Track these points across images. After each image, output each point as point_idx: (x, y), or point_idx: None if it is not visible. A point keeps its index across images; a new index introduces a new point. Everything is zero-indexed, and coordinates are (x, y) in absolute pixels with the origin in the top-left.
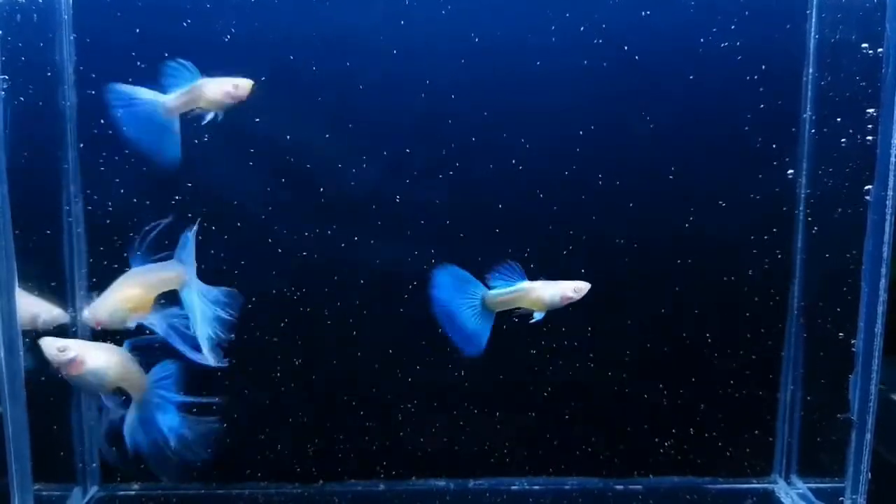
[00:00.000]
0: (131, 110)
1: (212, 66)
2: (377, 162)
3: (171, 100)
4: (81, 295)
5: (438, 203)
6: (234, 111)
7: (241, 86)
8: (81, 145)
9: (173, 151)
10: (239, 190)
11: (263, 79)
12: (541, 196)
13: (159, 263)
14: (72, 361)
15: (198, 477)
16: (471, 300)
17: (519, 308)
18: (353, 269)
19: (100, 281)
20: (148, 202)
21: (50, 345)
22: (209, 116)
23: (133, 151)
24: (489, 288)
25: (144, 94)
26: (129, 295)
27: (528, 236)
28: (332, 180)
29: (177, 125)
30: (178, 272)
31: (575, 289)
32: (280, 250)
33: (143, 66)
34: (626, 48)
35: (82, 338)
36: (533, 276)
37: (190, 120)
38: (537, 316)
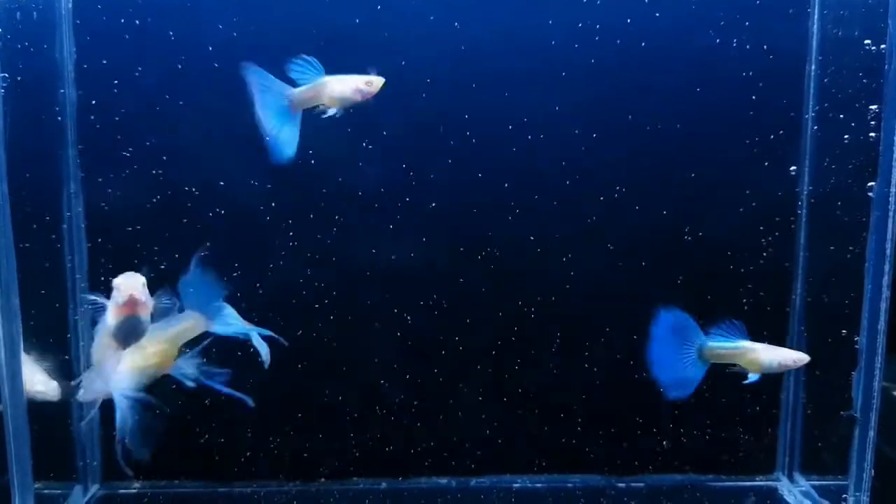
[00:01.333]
0: (261, 95)
1: (209, 65)
2: (378, 162)
3: (297, 93)
4: (81, 294)
5: (439, 203)
6: (235, 111)
7: (374, 83)
8: (80, 146)
9: (290, 147)
10: (239, 189)
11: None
12: (540, 196)
13: (176, 316)
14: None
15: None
16: (688, 347)
17: (735, 365)
18: (354, 267)
19: (99, 280)
20: (148, 202)
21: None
22: (330, 112)
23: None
24: (708, 337)
25: (275, 83)
26: (154, 351)
27: (528, 236)
28: (332, 180)
29: (299, 120)
30: (195, 319)
31: (795, 360)
32: (280, 250)
33: (142, 67)
34: (626, 46)
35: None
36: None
37: (193, 122)
38: (752, 378)
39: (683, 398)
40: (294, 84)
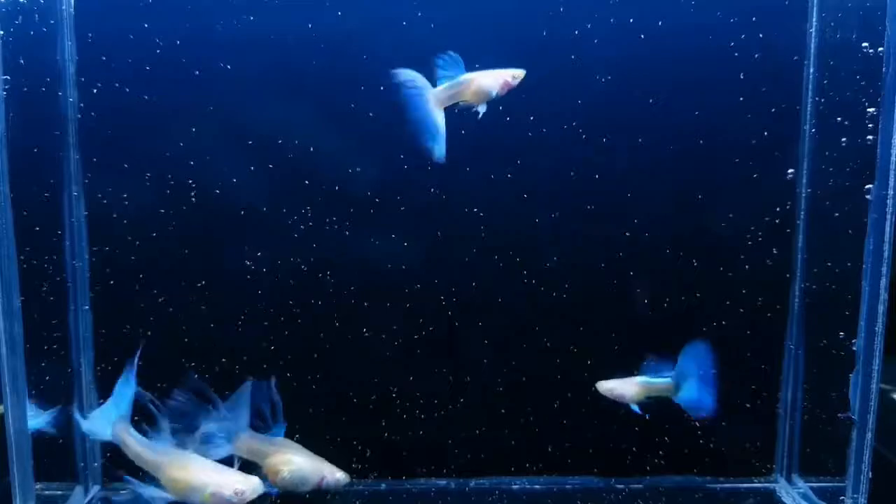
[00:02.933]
0: (407, 94)
1: (211, 66)
2: (378, 162)
3: (440, 91)
4: (81, 295)
5: (440, 203)
6: (234, 110)
7: (518, 76)
8: (82, 148)
9: (439, 147)
10: (239, 188)
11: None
12: (540, 195)
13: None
14: None
15: None
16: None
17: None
18: (355, 267)
19: (100, 278)
20: (150, 203)
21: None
22: (482, 109)
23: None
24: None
25: (420, 80)
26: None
27: (529, 234)
28: (333, 179)
29: (442, 118)
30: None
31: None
32: (281, 249)
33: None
34: (625, 49)
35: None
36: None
37: (194, 124)
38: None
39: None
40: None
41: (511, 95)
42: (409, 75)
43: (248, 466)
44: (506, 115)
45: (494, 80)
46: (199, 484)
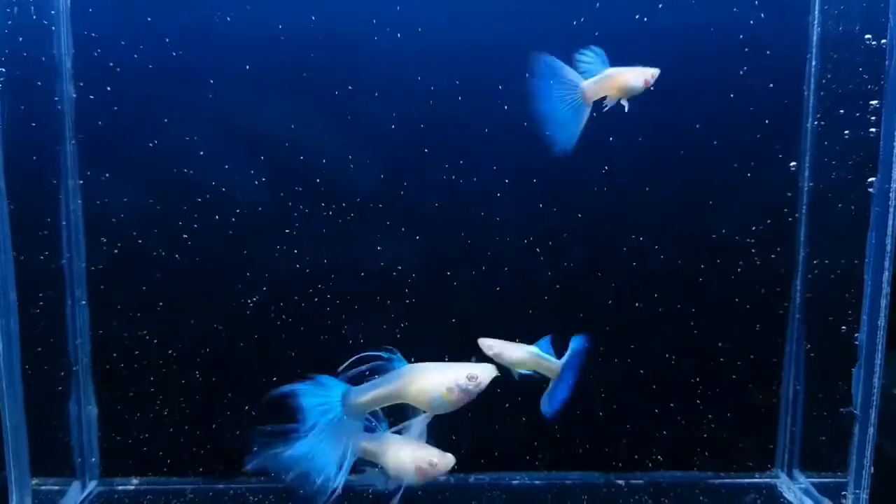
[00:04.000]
0: (552, 86)
1: (209, 60)
2: (379, 161)
3: (589, 85)
4: (78, 290)
5: (440, 202)
6: (234, 105)
7: (655, 75)
8: (79, 142)
9: (572, 138)
10: (238, 184)
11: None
12: (540, 194)
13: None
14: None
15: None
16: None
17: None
18: (356, 266)
19: (100, 277)
20: (147, 197)
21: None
22: (626, 105)
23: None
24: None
25: (569, 73)
26: None
27: (528, 234)
28: (334, 178)
29: (587, 112)
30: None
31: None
32: (281, 248)
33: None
34: (626, 42)
35: None
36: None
37: (192, 118)
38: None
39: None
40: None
41: (512, 95)
42: (555, 64)
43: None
44: (505, 114)
45: (637, 77)
46: (436, 385)
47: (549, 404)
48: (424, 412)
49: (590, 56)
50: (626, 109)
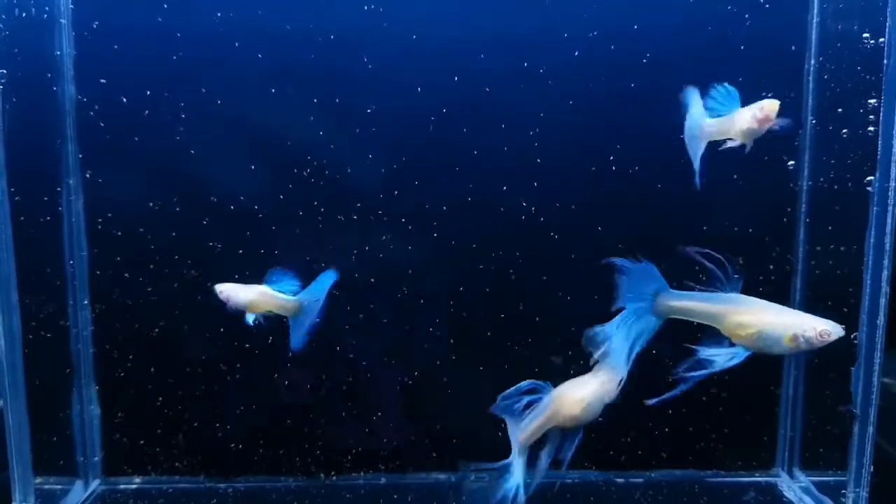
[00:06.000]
0: (686, 119)
1: (209, 60)
2: (381, 160)
3: (709, 124)
4: (80, 290)
5: (441, 201)
6: (236, 108)
7: (769, 110)
8: (80, 142)
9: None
10: (240, 186)
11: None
12: (540, 194)
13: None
14: None
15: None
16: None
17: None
18: (353, 265)
19: (99, 274)
20: (148, 196)
21: None
22: (749, 146)
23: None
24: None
25: (695, 106)
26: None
27: (528, 234)
28: (335, 177)
29: (702, 149)
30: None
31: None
32: (282, 247)
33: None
34: (625, 40)
35: None
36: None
37: (192, 118)
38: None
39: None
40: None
41: (511, 94)
42: (695, 100)
43: None
44: (504, 112)
45: (762, 121)
46: (777, 326)
47: (294, 342)
48: None
49: (722, 94)
50: (747, 151)
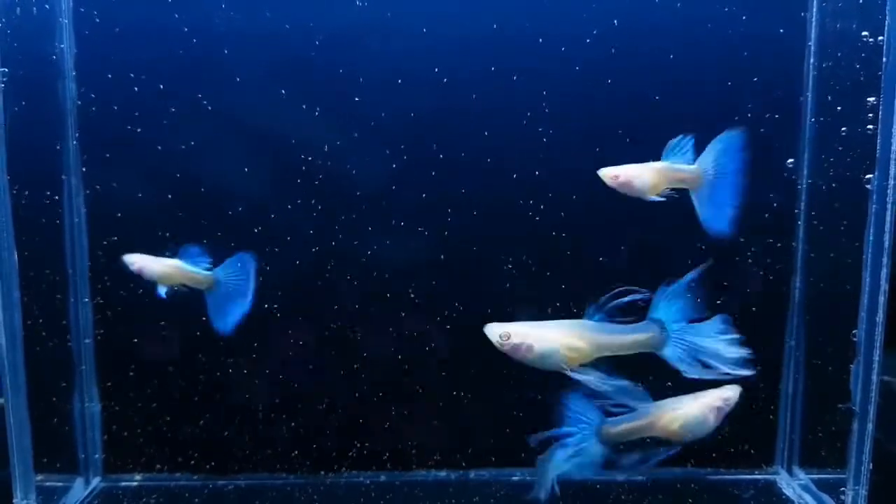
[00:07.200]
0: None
1: (210, 58)
2: (381, 159)
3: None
4: (82, 287)
5: (441, 201)
6: (238, 107)
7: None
8: (81, 140)
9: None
10: (242, 184)
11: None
12: (540, 193)
13: (630, 326)
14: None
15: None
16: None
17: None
18: (357, 264)
19: (103, 274)
20: (148, 194)
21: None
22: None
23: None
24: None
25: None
26: (573, 344)
27: (528, 233)
28: (337, 177)
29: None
30: (647, 335)
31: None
32: (283, 246)
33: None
34: (626, 39)
35: None
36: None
37: (193, 115)
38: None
39: None
40: None
41: (511, 94)
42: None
43: None
44: (504, 113)
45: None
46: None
47: (219, 322)
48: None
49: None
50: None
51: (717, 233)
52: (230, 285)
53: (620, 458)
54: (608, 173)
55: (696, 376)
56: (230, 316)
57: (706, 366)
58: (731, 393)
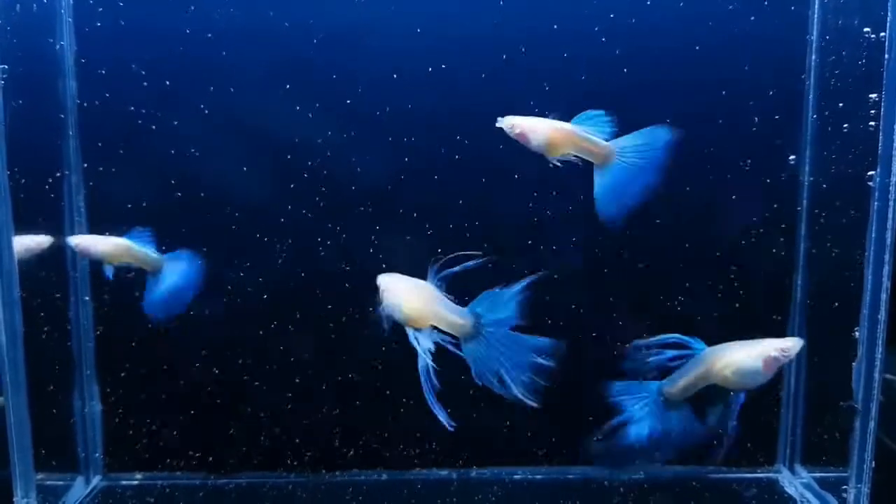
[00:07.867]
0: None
1: (210, 56)
2: (383, 159)
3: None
4: (82, 286)
5: (442, 200)
6: (238, 106)
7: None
8: (81, 138)
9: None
10: (242, 183)
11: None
12: (540, 192)
13: (458, 308)
14: None
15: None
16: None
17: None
18: (357, 264)
19: (101, 270)
20: (149, 194)
21: None
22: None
23: None
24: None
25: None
26: (412, 305)
27: (528, 233)
28: (338, 176)
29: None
30: (464, 321)
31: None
32: (283, 246)
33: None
34: (627, 37)
35: None
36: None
37: (193, 114)
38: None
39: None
40: None
41: (511, 93)
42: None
43: None
44: (504, 112)
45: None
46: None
47: (153, 308)
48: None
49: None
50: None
51: (607, 218)
52: (175, 275)
53: (708, 416)
54: (508, 122)
55: (485, 385)
56: (168, 307)
57: (501, 380)
58: (790, 343)
